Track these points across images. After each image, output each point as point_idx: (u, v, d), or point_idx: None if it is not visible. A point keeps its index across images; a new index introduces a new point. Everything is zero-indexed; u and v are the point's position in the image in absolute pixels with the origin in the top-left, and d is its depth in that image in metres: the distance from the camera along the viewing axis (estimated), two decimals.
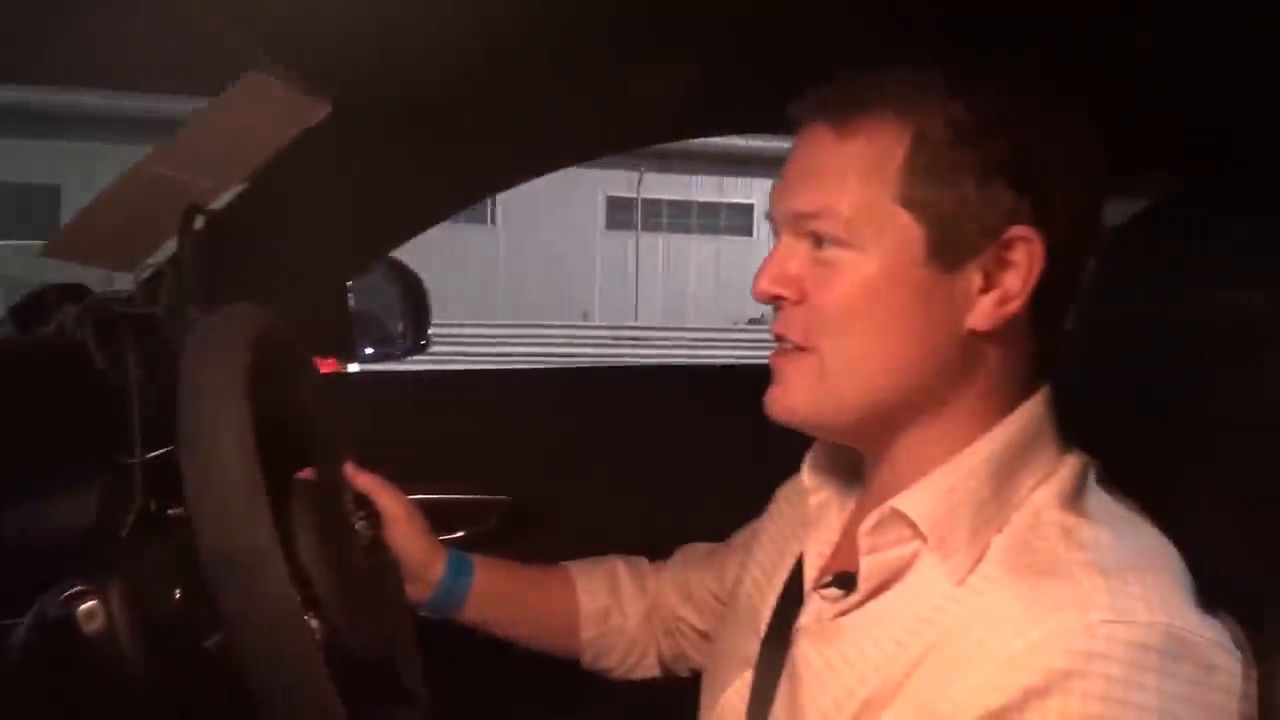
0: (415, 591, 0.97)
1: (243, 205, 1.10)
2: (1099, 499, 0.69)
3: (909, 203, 0.67)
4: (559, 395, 1.44)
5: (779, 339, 0.73)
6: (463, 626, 1.01)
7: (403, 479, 1.24)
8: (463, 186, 1.22)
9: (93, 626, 0.68)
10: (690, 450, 1.32)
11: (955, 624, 0.64)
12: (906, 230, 0.67)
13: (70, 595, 0.68)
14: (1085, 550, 0.63)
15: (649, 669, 1.05)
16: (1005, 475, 0.69)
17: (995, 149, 0.67)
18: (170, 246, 1.07)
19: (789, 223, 0.72)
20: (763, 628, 0.81)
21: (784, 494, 0.93)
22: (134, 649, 0.68)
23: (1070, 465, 0.70)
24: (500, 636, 1.02)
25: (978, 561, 0.66)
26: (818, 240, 0.70)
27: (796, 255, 0.71)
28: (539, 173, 1.16)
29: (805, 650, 0.73)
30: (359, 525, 0.88)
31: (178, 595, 0.72)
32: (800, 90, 0.72)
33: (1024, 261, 0.67)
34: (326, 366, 1.37)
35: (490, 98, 0.99)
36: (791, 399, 0.72)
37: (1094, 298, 0.87)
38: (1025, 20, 0.81)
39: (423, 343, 1.52)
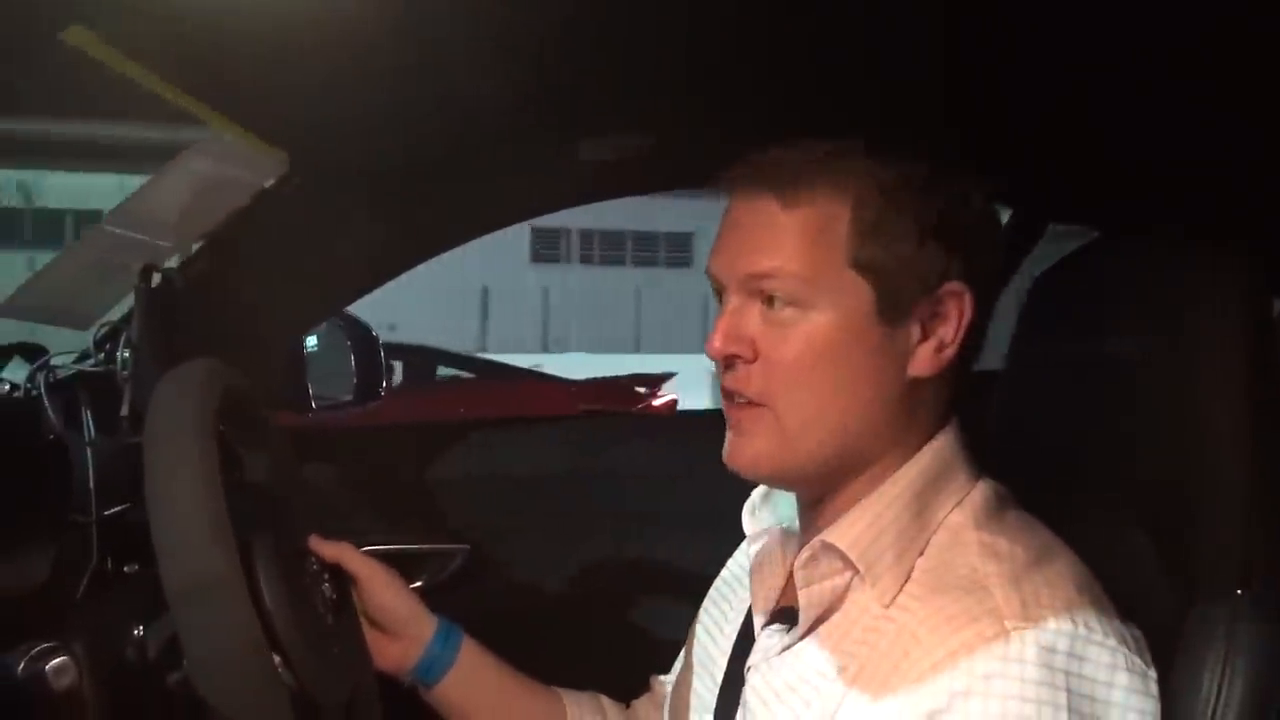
0: (400, 650, 0.93)
1: (199, 264, 1.11)
2: (1011, 516, 0.74)
3: (857, 264, 0.71)
4: (516, 444, 1.45)
5: (733, 395, 0.75)
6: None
7: (361, 530, 1.24)
8: (417, 244, 1.24)
9: (63, 683, 0.68)
10: (647, 496, 1.34)
11: (885, 641, 0.69)
12: (856, 290, 0.71)
13: (39, 653, 0.68)
14: (1000, 562, 0.69)
15: None
16: (924, 501, 0.73)
17: (926, 211, 0.71)
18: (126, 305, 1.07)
19: (739, 283, 0.74)
20: (719, 674, 0.83)
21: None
22: (103, 702, 0.68)
23: (981, 490, 0.75)
24: None
25: (904, 583, 0.71)
26: (770, 300, 0.73)
27: (749, 315, 0.74)
28: (490, 229, 1.19)
29: (755, 684, 0.76)
30: (323, 586, 0.88)
31: (138, 634, 0.72)
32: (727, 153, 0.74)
33: (955, 313, 0.73)
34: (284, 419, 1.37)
35: (442, 161, 1.02)
36: (754, 452, 0.74)
37: (1020, 339, 0.92)
38: (951, 89, 0.86)
39: (380, 391, 1.52)
